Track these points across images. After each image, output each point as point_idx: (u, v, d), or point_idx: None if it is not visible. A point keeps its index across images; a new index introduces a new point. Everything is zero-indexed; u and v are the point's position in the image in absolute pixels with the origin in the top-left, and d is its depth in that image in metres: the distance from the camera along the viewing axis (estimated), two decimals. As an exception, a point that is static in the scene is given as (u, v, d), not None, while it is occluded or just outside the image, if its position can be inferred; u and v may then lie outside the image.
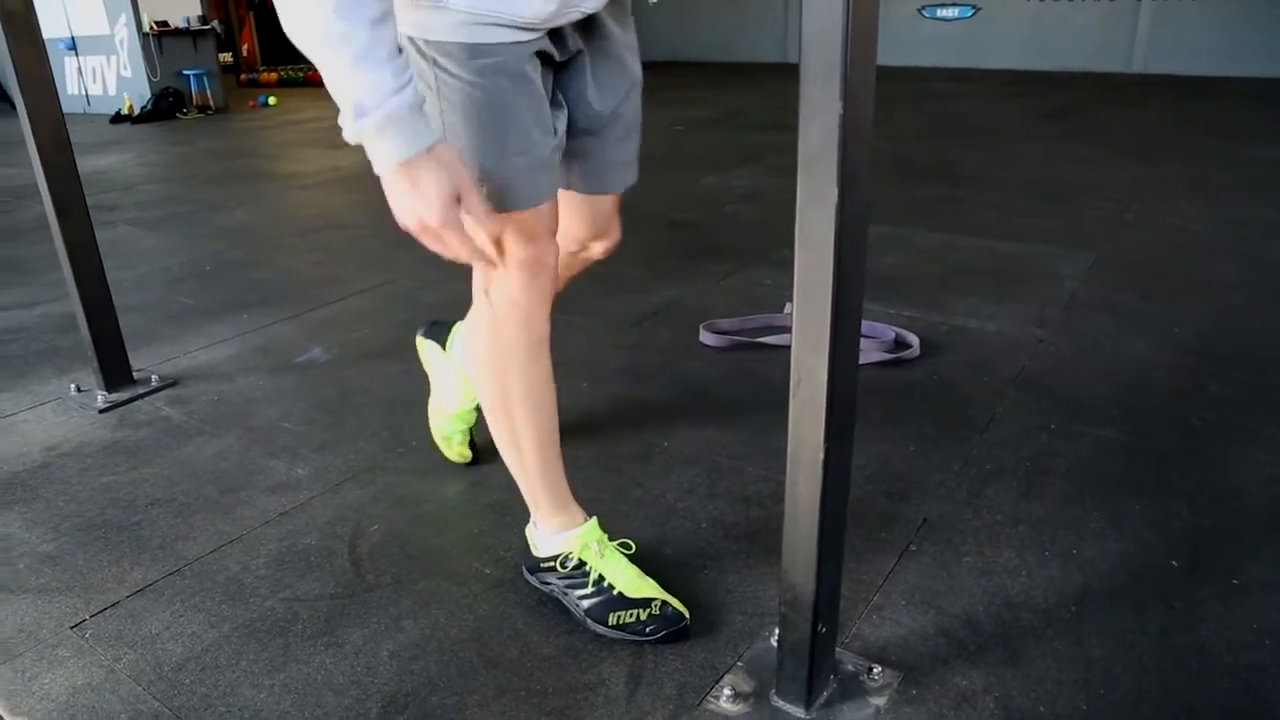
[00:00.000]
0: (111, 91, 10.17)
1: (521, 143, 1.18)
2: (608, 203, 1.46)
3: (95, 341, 2.33)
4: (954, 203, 4.04)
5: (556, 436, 1.39)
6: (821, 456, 1.05)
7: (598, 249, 1.54)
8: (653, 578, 1.39)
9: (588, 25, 1.26)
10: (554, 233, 1.28)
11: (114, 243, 3.93)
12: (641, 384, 2.25)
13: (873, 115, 0.96)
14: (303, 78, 12.58)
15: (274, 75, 13.00)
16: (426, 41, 1.15)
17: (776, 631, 1.22)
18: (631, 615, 1.33)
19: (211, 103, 9.82)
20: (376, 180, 1.04)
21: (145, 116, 9.37)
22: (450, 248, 1.07)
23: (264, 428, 2.11)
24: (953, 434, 1.94)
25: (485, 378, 1.35)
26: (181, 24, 9.76)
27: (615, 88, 1.33)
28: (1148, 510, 1.62)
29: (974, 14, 10.82)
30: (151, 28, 9.54)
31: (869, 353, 2.26)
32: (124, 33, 9.76)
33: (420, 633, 1.37)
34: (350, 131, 1.01)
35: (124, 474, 1.93)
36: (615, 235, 1.53)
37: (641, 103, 1.40)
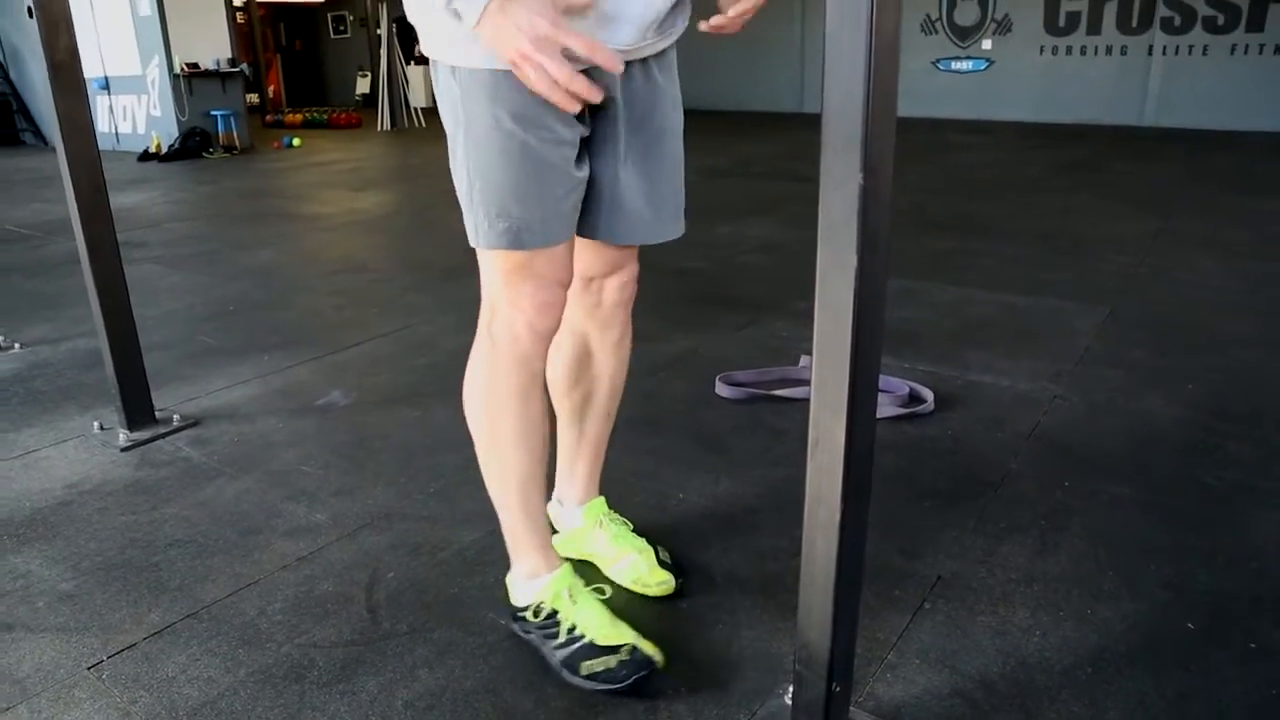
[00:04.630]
0: (141, 130, 10.39)
1: (542, 189, 1.21)
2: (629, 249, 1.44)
3: (120, 381, 2.36)
4: (969, 256, 4.07)
5: (543, 476, 1.42)
6: (839, 517, 1.06)
7: (610, 287, 1.47)
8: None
9: (630, 70, 1.26)
10: (566, 281, 1.31)
11: (139, 280, 3.99)
12: (657, 434, 2.26)
13: (892, 184, 0.98)
14: (326, 119, 12.82)
15: (298, 116, 13.25)
16: (455, 69, 1.18)
17: (790, 689, 1.22)
18: (603, 664, 1.34)
19: (237, 143, 10.01)
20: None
21: (172, 155, 9.55)
22: (551, 73, 1.04)
23: (283, 471, 2.13)
24: (967, 490, 1.94)
25: (478, 411, 1.37)
26: (211, 66, 9.99)
27: (651, 139, 1.32)
28: (1164, 570, 1.62)
29: (988, 67, 10.95)
30: (182, 69, 9.77)
31: (884, 407, 2.27)
32: (156, 73, 10.00)
33: (435, 682, 1.38)
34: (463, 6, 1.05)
35: (144, 513, 1.95)
36: (629, 277, 1.47)
37: (682, 147, 1.40)
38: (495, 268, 1.27)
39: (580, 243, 1.39)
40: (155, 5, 9.61)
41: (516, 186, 1.20)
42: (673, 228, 1.41)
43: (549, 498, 1.69)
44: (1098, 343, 2.88)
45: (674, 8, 1.26)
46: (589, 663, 1.34)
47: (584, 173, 1.26)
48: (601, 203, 1.32)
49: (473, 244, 1.26)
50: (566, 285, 1.31)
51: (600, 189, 1.30)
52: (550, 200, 1.22)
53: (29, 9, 2.16)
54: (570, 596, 1.41)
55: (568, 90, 1.05)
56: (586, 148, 1.27)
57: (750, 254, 4.29)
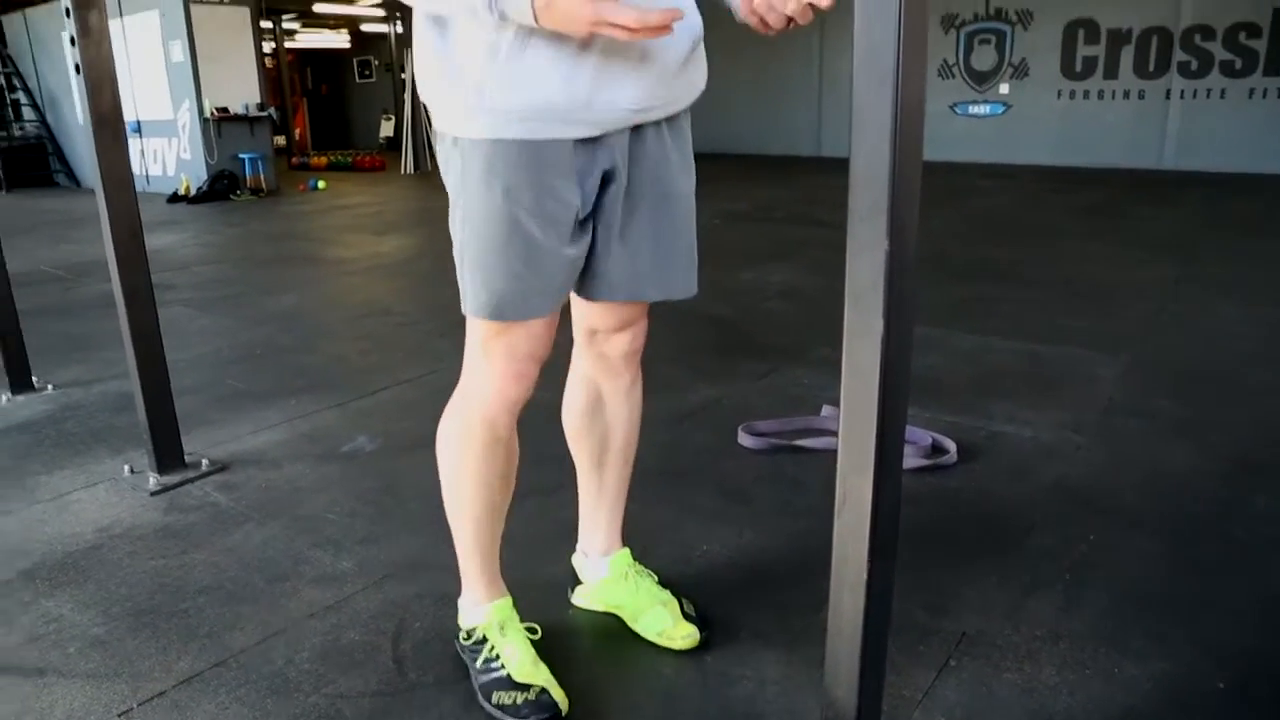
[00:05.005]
0: (170, 172, 10.61)
1: (527, 266, 1.24)
2: (634, 306, 1.44)
3: (151, 426, 2.40)
4: (990, 303, 4.08)
5: (499, 522, 1.49)
6: (865, 576, 1.07)
7: (616, 341, 1.48)
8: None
9: (641, 133, 1.28)
10: (541, 356, 1.35)
11: (169, 323, 4.02)
12: (681, 485, 2.27)
13: (917, 248, 1.01)
14: (351, 162, 13.05)
15: (324, 159, 13.49)
16: (457, 140, 1.23)
17: (817, 747, 1.22)
18: (510, 698, 1.40)
19: (264, 185, 10.20)
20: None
21: (201, 197, 9.75)
22: (627, 29, 1.03)
23: (310, 517, 2.15)
24: (991, 543, 1.94)
25: (444, 455, 1.45)
26: (241, 110, 10.22)
27: (659, 203, 1.33)
28: (1192, 628, 1.61)
29: (1005, 111, 11.03)
30: (212, 113, 9.99)
31: (907, 459, 2.27)
32: (186, 118, 10.23)
33: (461, 735, 1.39)
34: (485, 8, 1.06)
35: (174, 558, 1.97)
36: (636, 333, 1.48)
37: (694, 210, 1.40)
38: (474, 332, 1.33)
39: (584, 301, 1.42)
40: (188, 52, 9.86)
41: (503, 260, 1.23)
42: (680, 287, 1.40)
43: (574, 548, 1.71)
44: (1120, 391, 2.87)
45: (689, 62, 1.27)
46: (499, 694, 1.41)
47: (578, 250, 1.28)
48: (594, 269, 1.33)
49: (461, 306, 1.31)
50: (541, 360, 1.35)
51: (594, 255, 1.32)
52: (534, 277, 1.25)
53: (76, 66, 2.23)
54: (501, 629, 1.49)
55: (654, 25, 1.04)
56: (589, 217, 1.29)
57: (772, 300, 4.32)
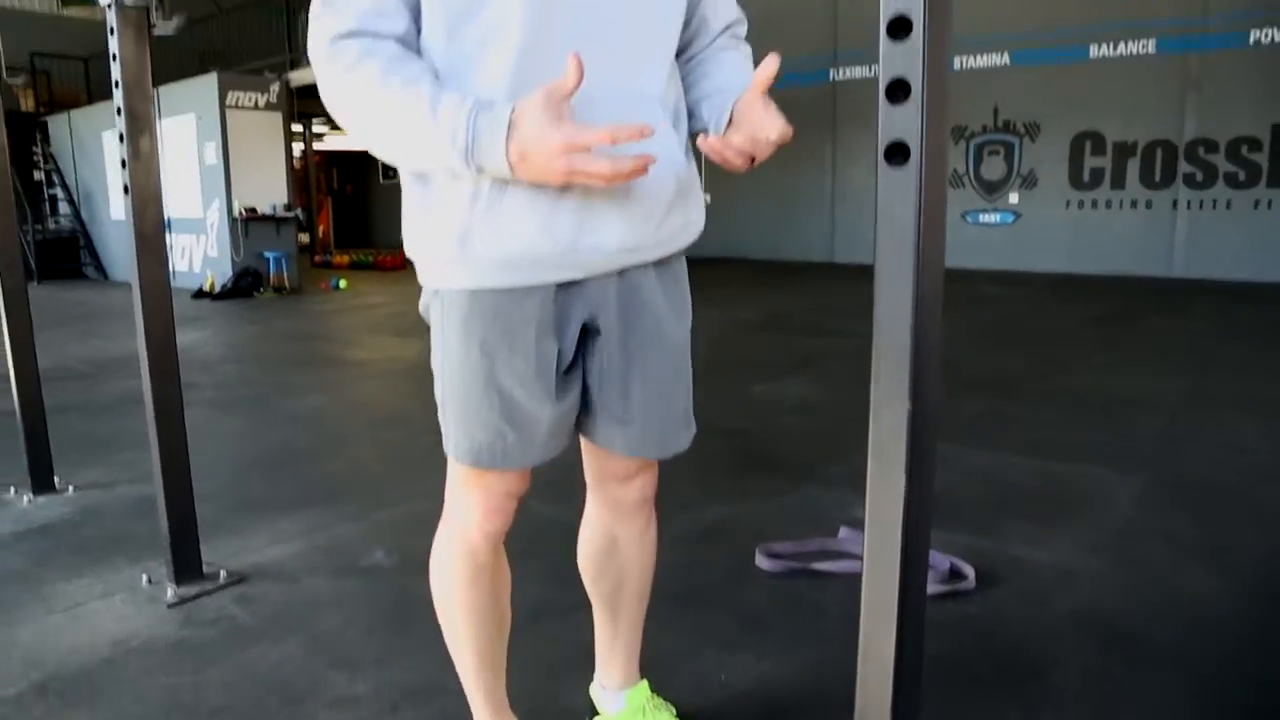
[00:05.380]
0: (196, 269, 10.88)
1: (503, 420, 1.25)
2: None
3: (172, 537, 2.42)
4: (1003, 418, 4.09)
5: (499, 649, 1.49)
6: (889, 724, 1.08)
7: (629, 489, 1.46)
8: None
9: (625, 280, 1.27)
10: (518, 493, 1.37)
11: (191, 424, 4.03)
12: (697, 610, 2.26)
13: (940, 405, 1.04)
14: (372, 261, 13.33)
15: (346, 258, 13.81)
16: (437, 292, 1.27)
17: None
18: None
19: (287, 283, 10.43)
20: None
21: (225, 294, 9.97)
22: (599, 172, 1.06)
23: (326, 634, 2.15)
24: (1012, 677, 1.92)
25: (435, 581, 1.46)
26: (268, 210, 10.53)
27: (649, 352, 1.31)
28: (1222, 776, 1.58)
29: (1015, 220, 11.24)
30: (241, 213, 10.31)
31: (927, 585, 2.26)
32: (216, 216, 10.56)
33: None
34: (461, 164, 1.09)
35: (189, 676, 1.97)
36: (645, 481, 1.46)
37: (688, 357, 1.39)
38: (454, 468, 1.35)
39: (591, 448, 1.43)
40: (221, 154, 10.24)
41: (479, 413, 1.25)
42: (671, 442, 1.39)
43: (591, 679, 1.70)
44: (1138, 513, 2.86)
45: (679, 203, 1.28)
46: None
47: (565, 405, 1.29)
48: (590, 416, 1.34)
49: (443, 443, 1.33)
50: (519, 495, 1.37)
51: (588, 403, 1.33)
52: (515, 433, 1.26)
53: (125, 187, 2.34)
54: None
55: (628, 171, 1.07)
56: (578, 366, 1.30)
57: (787, 414, 4.34)
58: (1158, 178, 10.39)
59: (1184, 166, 10.20)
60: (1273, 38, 9.57)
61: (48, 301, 10.13)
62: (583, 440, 1.42)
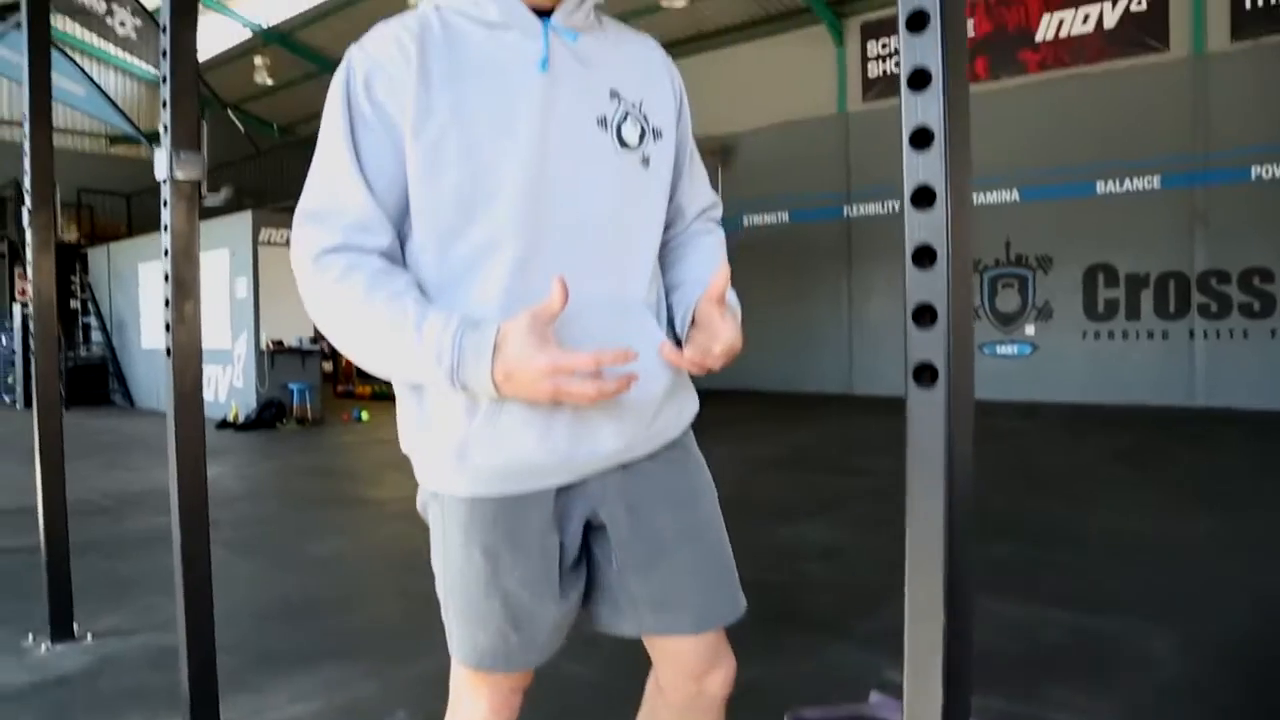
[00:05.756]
0: (221, 399, 11.03)
1: (505, 623, 1.24)
2: (699, 638, 1.34)
3: (192, 697, 2.39)
4: (1032, 565, 4.02)
5: None
6: None
7: (714, 684, 1.37)
8: None
9: (626, 474, 1.27)
10: (523, 687, 1.36)
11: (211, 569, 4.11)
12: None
13: (973, 618, 1.05)
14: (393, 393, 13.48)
15: (368, 389, 13.95)
16: (435, 494, 1.27)
17: None
18: None
19: (310, 415, 10.55)
20: None
21: (248, 425, 10.08)
22: (584, 392, 1.08)
23: (345, 808, 2.09)
24: None
25: None
26: (294, 343, 10.75)
27: (669, 535, 1.28)
28: None
29: (1032, 351, 11.31)
30: (268, 345, 10.52)
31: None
32: (243, 348, 10.78)
33: None
34: (447, 383, 1.10)
35: None
36: (727, 665, 1.38)
37: (718, 516, 1.36)
38: (456, 666, 1.33)
39: (657, 650, 1.37)
40: (251, 288, 10.54)
41: (482, 616, 1.24)
42: (728, 606, 1.35)
43: None
44: (1178, 672, 2.77)
45: (671, 395, 1.28)
46: None
47: (569, 603, 1.27)
48: (630, 598, 1.30)
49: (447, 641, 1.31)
50: (524, 689, 1.36)
51: (624, 581, 1.29)
52: (520, 635, 1.25)
53: (166, 350, 2.43)
54: None
55: (612, 391, 1.09)
56: (581, 561, 1.29)
57: (812, 562, 4.28)
58: (1172, 308, 10.50)
59: (1198, 297, 10.32)
60: (1273, 173, 9.85)
61: (75, 429, 10.23)
62: (645, 642, 1.36)
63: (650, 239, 1.31)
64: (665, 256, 1.38)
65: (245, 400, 10.57)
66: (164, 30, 2.27)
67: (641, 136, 1.27)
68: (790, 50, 13.26)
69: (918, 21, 0.93)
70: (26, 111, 3.20)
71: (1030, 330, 11.35)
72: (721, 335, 1.23)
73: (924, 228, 0.99)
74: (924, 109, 0.95)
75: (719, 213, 1.48)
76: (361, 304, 1.13)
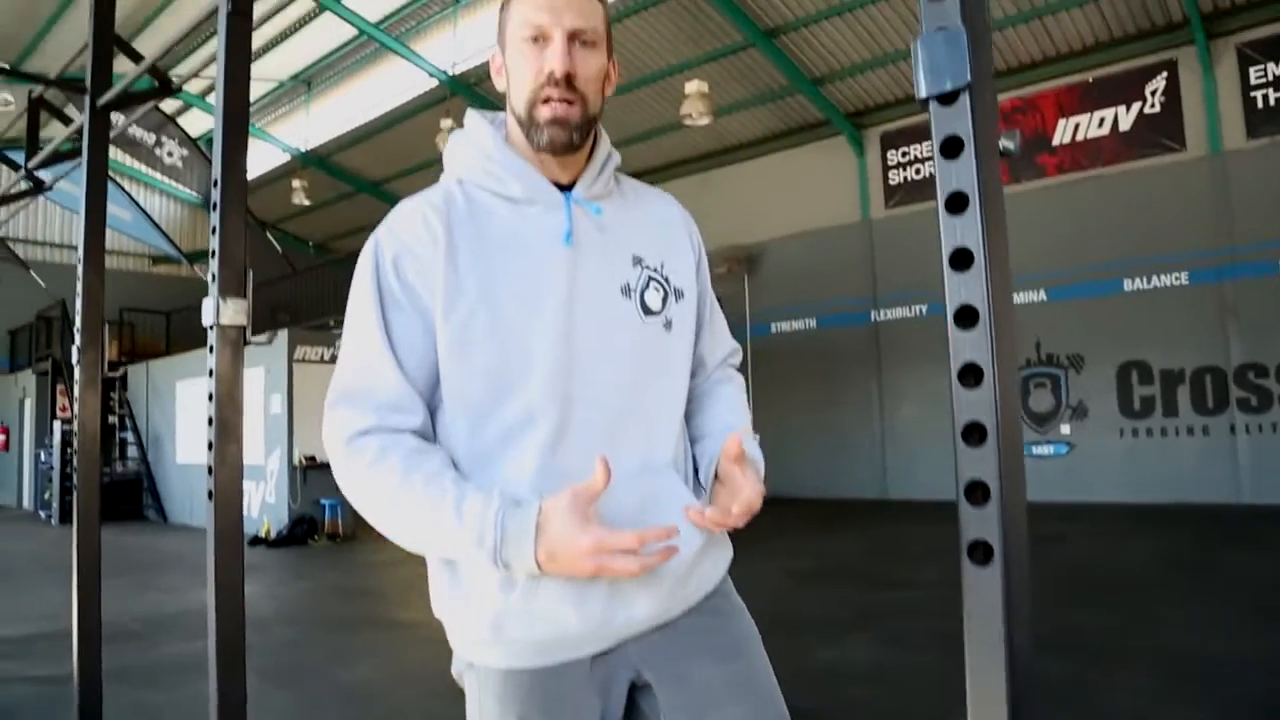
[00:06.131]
0: (254, 514, 11.06)
1: None
2: None
3: None
4: (1088, 688, 3.85)
5: None
6: None
7: None
8: None
9: (664, 632, 1.25)
10: None
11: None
12: None
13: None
14: (425, 501, 13.46)
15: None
16: (471, 664, 1.26)
17: None
18: None
19: (341, 531, 10.52)
20: None
21: (280, 541, 10.07)
22: (625, 568, 1.09)
23: None
24: None
25: None
26: (327, 459, 10.80)
27: (713, 691, 1.26)
28: None
29: (1069, 451, 11.12)
30: (301, 461, 10.59)
31: None
32: (276, 464, 10.85)
33: None
34: (489, 563, 1.10)
35: None
36: None
37: (766, 662, 1.33)
38: None
39: None
40: (286, 404, 10.69)
41: None
42: None
43: None
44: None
45: (701, 554, 1.28)
46: None
47: None
48: None
49: None
50: None
51: None
52: None
53: (209, 492, 2.45)
54: None
55: (654, 565, 1.10)
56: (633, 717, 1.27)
57: (856, 685, 4.12)
58: (1211, 404, 10.33)
59: (1236, 391, 10.16)
60: (1301, 265, 9.82)
61: (108, 546, 10.19)
62: None
63: (675, 401, 1.33)
64: (688, 406, 1.39)
65: (277, 516, 10.58)
66: (215, 184, 2.38)
67: (664, 301, 1.30)
68: (812, 160, 13.59)
69: (952, 148, 0.96)
70: (81, 254, 3.33)
71: (1066, 430, 11.18)
72: (741, 494, 1.24)
73: (969, 346, 1.00)
74: (964, 231, 0.97)
75: (738, 359, 1.51)
76: (398, 487, 1.14)
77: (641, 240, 1.32)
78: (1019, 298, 11.38)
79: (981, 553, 0.96)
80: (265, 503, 10.99)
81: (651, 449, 1.27)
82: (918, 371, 12.10)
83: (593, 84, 1.25)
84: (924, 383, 12.06)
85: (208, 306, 2.37)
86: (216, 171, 2.38)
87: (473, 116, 1.35)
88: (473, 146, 1.30)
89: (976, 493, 0.96)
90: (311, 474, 10.61)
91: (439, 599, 1.27)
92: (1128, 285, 10.83)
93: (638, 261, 1.29)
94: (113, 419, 15.21)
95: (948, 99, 0.97)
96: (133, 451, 14.91)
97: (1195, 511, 9.44)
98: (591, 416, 1.22)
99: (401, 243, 1.23)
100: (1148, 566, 6.60)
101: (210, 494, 2.43)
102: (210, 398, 2.40)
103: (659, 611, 1.23)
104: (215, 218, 2.36)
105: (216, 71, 2.45)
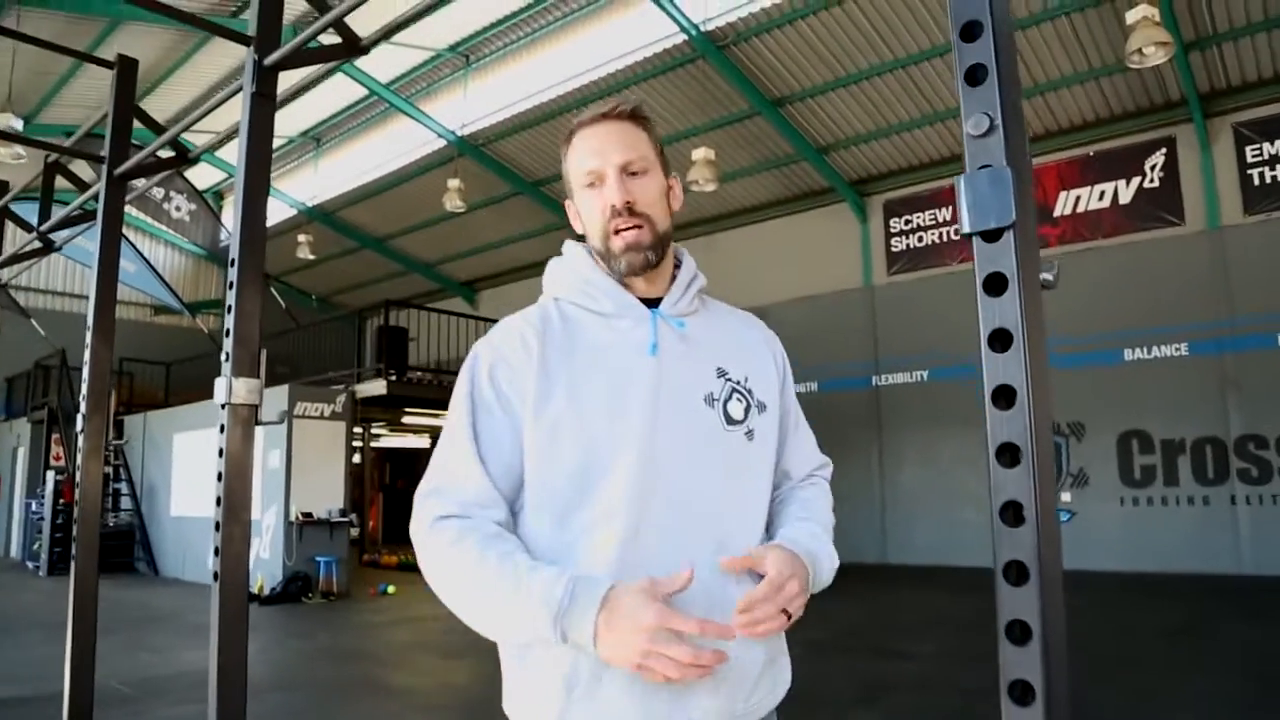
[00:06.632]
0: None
1: None
2: None
3: None
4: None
5: None
6: None
7: None
8: None
9: None
10: None
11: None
12: None
13: None
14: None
15: (394, 559, 13.76)
16: None
17: None
18: None
19: (335, 589, 10.37)
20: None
21: (273, 598, 9.91)
22: (676, 657, 1.11)
23: None
24: None
25: None
26: (324, 515, 10.71)
27: None
28: None
29: (1070, 518, 11.04)
30: (297, 517, 10.48)
31: None
32: (272, 520, 10.73)
33: None
34: (549, 625, 1.15)
35: None
36: None
37: None
38: None
39: None
40: (285, 460, 10.61)
41: None
42: None
43: None
44: None
45: (768, 667, 1.33)
46: None
47: None
48: None
49: None
50: None
51: None
52: None
53: (214, 574, 2.41)
54: None
55: (704, 664, 1.12)
56: None
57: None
58: (1211, 474, 10.32)
59: (1236, 462, 10.15)
60: (1302, 338, 9.87)
61: (99, 599, 10.11)
62: None
63: (754, 509, 1.38)
64: (770, 512, 1.44)
65: (271, 572, 10.43)
66: (231, 263, 2.39)
67: (747, 411, 1.37)
68: (816, 226, 13.72)
69: (995, 285, 0.96)
70: (90, 321, 3.32)
71: (1066, 497, 11.13)
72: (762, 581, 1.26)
73: (1006, 425, 0.99)
74: (1007, 368, 0.97)
75: (829, 472, 1.54)
76: (474, 563, 1.21)
77: (726, 355, 1.39)
78: (1020, 365, 11.39)
79: (1014, 572, 0.95)
80: (260, 558, 10.83)
81: (725, 551, 1.30)
82: (919, 436, 12.09)
83: (654, 205, 1.37)
84: (925, 449, 12.06)
85: (220, 386, 2.35)
86: (234, 252, 2.38)
87: (570, 245, 1.47)
88: (569, 269, 1.42)
89: (1009, 512, 0.97)
90: (307, 531, 10.49)
91: (507, 695, 1.33)
92: (1128, 355, 10.87)
93: (722, 374, 1.37)
94: (107, 469, 15.09)
95: (992, 236, 0.97)
96: (126, 503, 14.75)
97: (1197, 581, 9.36)
98: (668, 516, 1.27)
99: (499, 354, 1.33)
100: (1154, 641, 6.50)
101: (215, 575, 2.39)
102: (219, 477, 2.38)
103: (719, 716, 1.26)
104: (231, 297, 2.36)
105: (237, 151, 2.47)
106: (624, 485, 1.26)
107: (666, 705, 1.22)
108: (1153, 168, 10.94)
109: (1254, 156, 10.31)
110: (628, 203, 1.33)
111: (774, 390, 1.43)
